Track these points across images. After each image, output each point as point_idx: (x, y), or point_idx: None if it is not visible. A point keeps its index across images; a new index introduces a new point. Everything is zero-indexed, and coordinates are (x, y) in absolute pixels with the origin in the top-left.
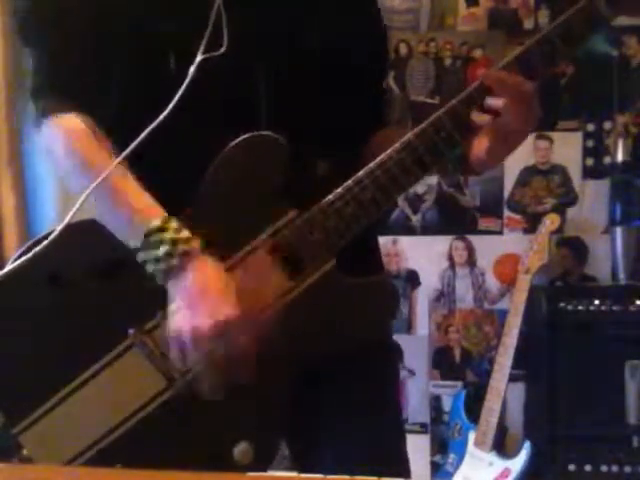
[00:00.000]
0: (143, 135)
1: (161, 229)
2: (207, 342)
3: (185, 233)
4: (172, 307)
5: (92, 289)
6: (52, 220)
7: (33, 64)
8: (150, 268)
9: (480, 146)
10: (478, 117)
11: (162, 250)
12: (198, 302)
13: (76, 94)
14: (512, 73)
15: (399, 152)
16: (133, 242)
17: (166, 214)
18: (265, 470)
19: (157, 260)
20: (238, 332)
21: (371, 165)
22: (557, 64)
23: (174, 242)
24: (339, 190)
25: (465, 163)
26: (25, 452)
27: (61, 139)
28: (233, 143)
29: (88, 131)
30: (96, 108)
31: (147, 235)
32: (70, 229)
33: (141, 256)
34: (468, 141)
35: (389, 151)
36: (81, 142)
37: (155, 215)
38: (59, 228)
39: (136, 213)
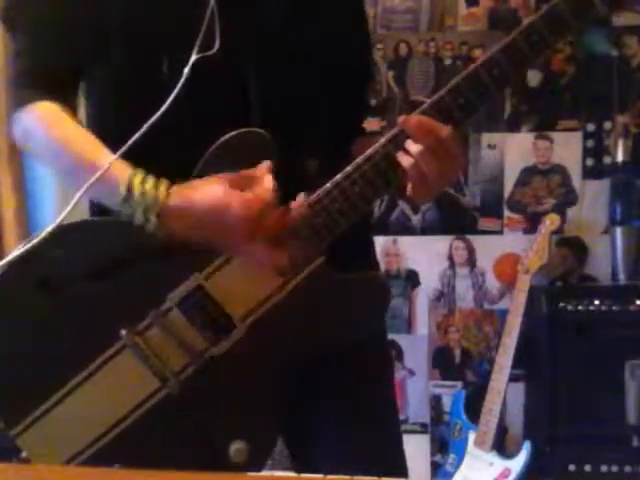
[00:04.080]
0: (137, 135)
1: (129, 190)
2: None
3: (150, 182)
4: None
5: (85, 290)
6: (52, 220)
7: (15, 53)
8: (147, 228)
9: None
10: (402, 158)
11: (140, 211)
12: (204, 218)
13: (55, 85)
14: (430, 120)
15: (386, 145)
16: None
17: (128, 169)
18: (261, 469)
19: (146, 220)
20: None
21: (359, 159)
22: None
23: (144, 197)
24: (327, 185)
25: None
26: (24, 454)
27: (39, 122)
28: (221, 140)
29: (64, 114)
30: (75, 99)
31: (124, 201)
32: (62, 230)
33: (135, 221)
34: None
35: (376, 145)
36: (60, 123)
37: (118, 178)
38: (48, 229)
39: (104, 183)
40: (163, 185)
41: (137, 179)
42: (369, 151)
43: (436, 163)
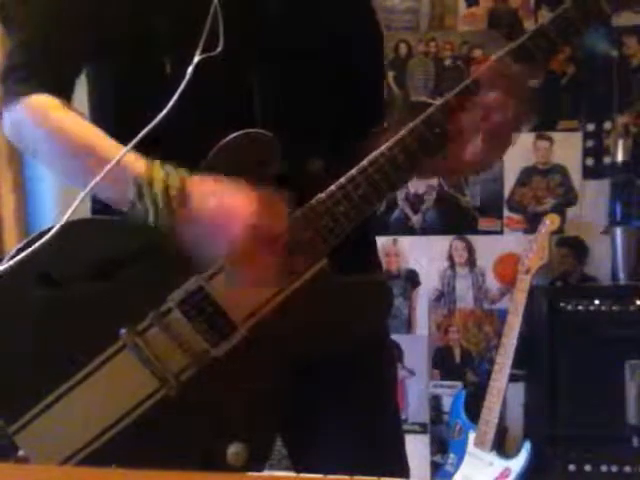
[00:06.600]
0: (143, 132)
1: (148, 170)
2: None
3: (170, 169)
4: (196, 230)
5: (85, 289)
6: (52, 220)
7: (11, 47)
8: (161, 213)
9: (467, 148)
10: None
11: (160, 194)
12: (215, 209)
13: (51, 80)
14: (507, 65)
15: (391, 149)
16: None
17: (146, 161)
18: (260, 470)
19: (156, 206)
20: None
21: (364, 162)
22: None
23: (169, 176)
24: (331, 188)
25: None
26: (20, 453)
27: (33, 113)
28: (224, 141)
29: (59, 103)
30: (71, 95)
31: (140, 187)
32: (63, 228)
33: (140, 207)
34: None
35: (382, 148)
36: (53, 111)
37: (138, 167)
38: (54, 229)
39: (121, 173)
40: (183, 170)
41: (157, 163)
42: (374, 154)
43: (510, 109)
